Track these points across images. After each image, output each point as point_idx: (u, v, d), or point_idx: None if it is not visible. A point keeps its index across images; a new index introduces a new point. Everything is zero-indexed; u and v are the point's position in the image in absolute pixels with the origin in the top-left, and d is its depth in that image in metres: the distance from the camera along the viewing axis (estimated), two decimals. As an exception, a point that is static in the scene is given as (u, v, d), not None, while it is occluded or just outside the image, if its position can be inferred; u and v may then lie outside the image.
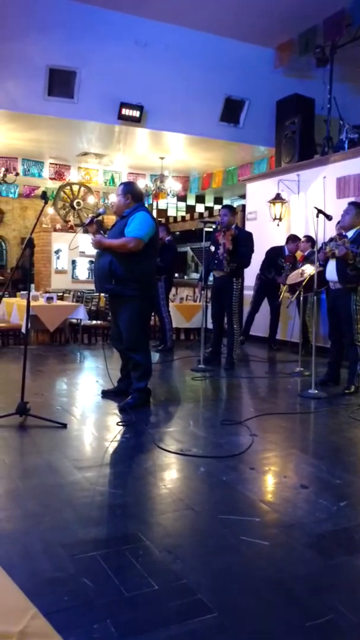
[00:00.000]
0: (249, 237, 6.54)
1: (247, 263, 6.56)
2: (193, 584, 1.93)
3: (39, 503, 2.63)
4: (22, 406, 3.95)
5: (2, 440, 3.59)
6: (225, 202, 14.10)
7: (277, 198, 8.52)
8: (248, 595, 1.90)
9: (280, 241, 8.21)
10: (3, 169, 9.78)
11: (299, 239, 7.65)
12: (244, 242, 6.32)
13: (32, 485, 2.86)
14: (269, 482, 3.05)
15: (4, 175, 9.76)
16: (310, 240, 7.30)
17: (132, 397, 4.48)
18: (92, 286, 8.79)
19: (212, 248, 6.44)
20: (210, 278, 6.75)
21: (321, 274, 5.47)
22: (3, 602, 0.70)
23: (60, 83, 7.94)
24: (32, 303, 4.54)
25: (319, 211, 5.17)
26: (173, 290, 8.80)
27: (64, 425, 3.87)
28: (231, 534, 2.33)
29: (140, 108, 8.34)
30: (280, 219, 8.55)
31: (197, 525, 2.47)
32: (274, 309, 8.07)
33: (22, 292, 9.26)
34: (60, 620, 1.66)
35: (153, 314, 7.31)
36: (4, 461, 3.20)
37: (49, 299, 8.28)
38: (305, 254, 7.35)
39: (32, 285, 12.00)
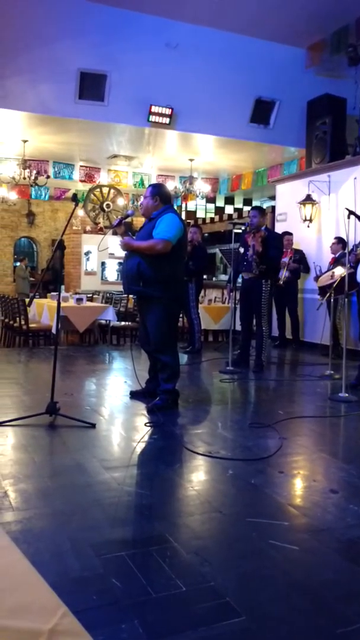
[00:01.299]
0: (278, 238, 6.49)
1: (277, 265, 6.52)
2: (221, 587, 1.92)
3: (67, 502, 2.65)
4: (52, 406, 3.99)
5: (33, 439, 3.63)
6: (255, 203, 14.04)
7: (308, 199, 8.44)
8: (277, 600, 1.88)
9: (311, 243, 8.15)
10: (34, 172, 9.91)
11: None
12: (273, 244, 6.28)
13: (61, 484, 2.88)
14: (298, 486, 3.01)
15: (36, 178, 9.90)
16: (341, 241, 7.24)
17: (160, 398, 4.48)
18: (120, 287, 8.85)
19: (242, 250, 6.41)
20: (239, 280, 6.72)
21: (352, 276, 5.39)
22: (34, 600, 0.70)
23: (91, 86, 8.02)
24: (62, 304, 4.59)
25: (350, 212, 5.10)
26: (202, 291, 8.80)
27: (93, 425, 3.90)
28: (260, 537, 2.31)
29: (170, 110, 8.36)
30: (310, 221, 8.47)
31: (225, 527, 2.46)
32: (292, 311, 8.19)
33: (52, 293, 9.37)
34: (89, 619, 1.66)
35: (182, 315, 7.33)
36: (34, 460, 3.24)
37: (79, 300, 8.36)
38: (336, 255, 7.28)
39: (62, 287, 12.12)
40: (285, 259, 7.97)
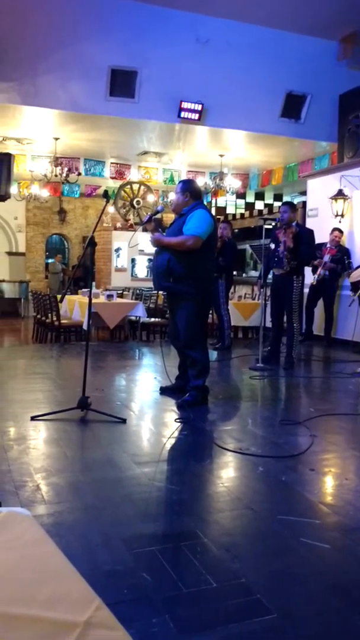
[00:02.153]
0: (310, 234, 6.42)
1: (308, 261, 6.45)
2: (252, 584, 1.91)
3: (99, 496, 2.67)
4: (84, 401, 4.03)
5: (64, 433, 3.67)
6: (286, 199, 13.91)
7: (339, 194, 8.32)
8: (308, 598, 1.87)
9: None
10: (66, 169, 10.00)
11: None
12: (305, 240, 6.21)
13: (92, 478, 2.91)
14: (329, 484, 2.98)
15: (67, 175, 9.99)
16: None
17: (190, 394, 4.48)
18: (150, 284, 8.87)
19: (272, 246, 6.36)
20: (270, 276, 6.67)
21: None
22: (69, 592, 0.71)
23: (122, 83, 8.05)
24: (93, 300, 4.62)
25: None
26: (232, 288, 8.77)
27: (124, 421, 3.92)
28: (291, 535, 2.29)
29: (200, 106, 8.34)
30: (342, 216, 8.35)
31: (256, 524, 2.44)
32: (328, 308, 8.06)
33: (83, 290, 9.46)
34: (120, 612, 1.67)
35: (211, 311, 7.31)
36: (66, 454, 3.28)
37: (109, 296, 8.42)
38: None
39: (93, 283, 12.23)
40: (326, 257, 7.82)
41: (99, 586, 1.90)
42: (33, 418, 3.92)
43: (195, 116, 8.37)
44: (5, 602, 0.63)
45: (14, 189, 10.11)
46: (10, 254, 15.10)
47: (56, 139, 9.64)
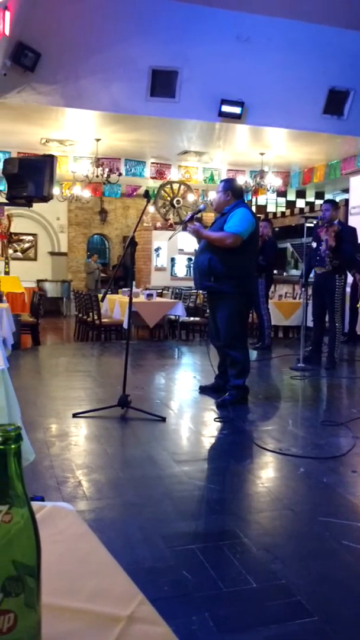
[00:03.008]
0: (352, 232, 6.31)
1: (351, 260, 6.33)
2: (292, 586, 1.89)
3: (139, 494, 2.70)
4: (124, 399, 4.07)
5: (105, 430, 3.72)
6: (327, 196, 13.68)
7: (383, 191, 8.14)
8: (350, 602, 1.84)
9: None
10: (107, 170, 10.11)
11: None
12: (347, 238, 6.11)
13: (132, 475, 2.93)
14: (373, 487, 2.92)
15: (108, 176, 10.09)
16: None
17: (230, 394, 4.47)
18: (190, 283, 8.88)
19: (314, 244, 6.27)
20: (312, 275, 6.58)
21: None
22: (113, 586, 0.72)
23: (163, 83, 8.07)
24: (133, 300, 4.65)
25: None
26: (272, 287, 8.69)
27: (163, 419, 3.94)
28: (332, 537, 2.26)
29: (240, 104, 8.29)
30: (386, 213, 8.16)
31: (296, 526, 2.42)
32: None
33: (123, 289, 9.55)
34: (160, 609, 1.68)
35: (251, 311, 7.26)
36: (106, 451, 3.32)
37: (149, 295, 8.47)
38: None
39: (133, 283, 12.33)
40: None
41: (139, 582, 1.91)
42: (75, 415, 3.98)
43: (236, 115, 8.32)
44: (51, 593, 0.65)
45: (56, 190, 10.27)
46: (52, 254, 15.36)
47: (97, 140, 9.75)
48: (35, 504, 0.60)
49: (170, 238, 7.61)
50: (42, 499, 2.41)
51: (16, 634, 0.56)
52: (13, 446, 0.58)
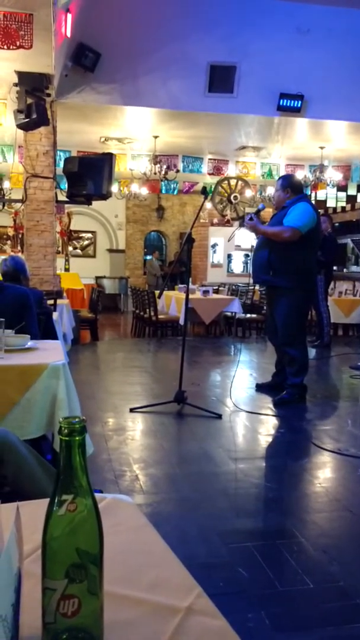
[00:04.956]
0: None
1: None
2: (350, 588, 1.85)
3: (194, 489, 2.71)
4: (180, 395, 4.10)
5: (161, 426, 3.75)
6: (390, 190, 13.26)
7: None
8: None
9: None
10: (164, 167, 10.17)
11: None
12: None
13: (188, 471, 2.95)
14: None
15: (166, 173, 10.15)
16: None
17: (288, 392, 4.42)
18: (247, 279, 8.82)
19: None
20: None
21: None
22: (171, 578, 0.73)
23: (221, 79, 8.04)
24: (189, 296, 4.68)
25: None
26: (331, 283, 8.51)
27: (219, 416, 3.94)
28: (393, 541, 2.20)
29: (300, 97, 8.15)
30: None
31: (355, 528, 2.37)
32: None
33: (180, 286, 9.59)
34: (216, 604, 1.69)
35: (311, 308, 7.14)
36: (163, 446, 3.35)
37: (205, 292, 8.47)
38: None
39: (190, 279, 12.36)
40: None
41: (194, 577, 1.94)
42: (132, 410, 4.04)
43: (296, 108, 8.19)
44: (112, 582, 0.66)
45: (114, 188, 10.43)
46: (110, 251, 15.62)
47: (155, 137, 9.82)
48: (96, 495, 0.62)
49: (229, 240, 7.59)
50: (100, 492, 2.47)
51: (80, 619, 0.58)
52: (78, 438, 0.60)
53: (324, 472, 3.06)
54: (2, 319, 2.32)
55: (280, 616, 1.70)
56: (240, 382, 5.39)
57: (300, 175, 10.68)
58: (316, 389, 4.97)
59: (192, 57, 7.83)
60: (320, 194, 14.17)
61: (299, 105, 8.22)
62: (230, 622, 1.69)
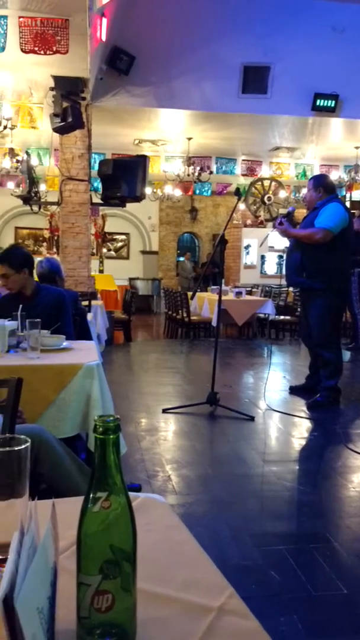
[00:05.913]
0: None
1: None
2: (386, 595, 1.82)
3: (227, 491, 2.71)
4: (212, 396, 4.10)
5: (194, 427, 3.76)
6: None
7: None
8: None
9: None
10: (198, 168, 10.18)
11: None
12: None
13: (221, 472, 2.95)
14: None
15: (199, 174, 10.16)
16: None
17: (321, 395, 4.37)
18: (280, 281, 8.76)
19: None
20: None
21: None
22: (203, 577, 0.74)
23: (254, 80, 8.01)
24: (222, 297, 4.67)
25: None
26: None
27: (252, 418, 3.92)
28: None
29: (335, 97, 8.05)
30: None
31: (391, 534, 2.33)
32: None
33: (212, 287, 9.58)
34: (248, 607, 1.69)
35: (345, 310, 7.04)
36: (195, 447, 3.35)
37: (238, 293, 8.44)
38: None
39: (222, 280, 12.33)
40: None
41: (226, 579, 1.93)
42: (164, 411, 4.06)
43: (330, 108, 8.10)
44: (145, 580, 0.67)
45: (148, 190, 10.49)
46: (144, 252, 15.71)
47: (189, 138, 9.85)
48: (129, 494, 0.62)
49: (261, 244, 7.54)
50: (139, 487, 2.50)
51: (113, 614, 0.59)
52: (112, 436, 0.60)
53: (358, 476, 3.01)
54: (38, 320, 2.36)
55: (314, 622, 1.69)
56: (273, 384, 5.35)
57: (334, 175, 10.56)
58: (350, 391, 4.89)
59: (226, 58, 7.82)
60: (356, 195, 13.95)
61: (333, 104, 8.13)
62: (262, 626, 1.69)
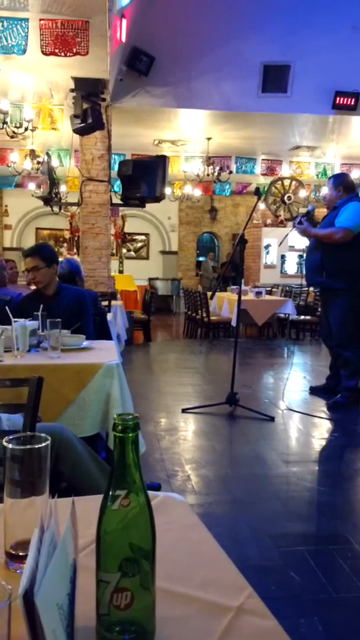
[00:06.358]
0: None
1: None
2: None
3: (247, 491, 2.70)
4: (232, 396, 4.09)
5: (213, 427, 3.75)
6: None
7: None
8: None
9: None
10: (217, 168, 10.16)
11: None
12: None
13: (240, 473, 2.94)
14: None
15: (219, 174, 10.14)
16: None
17: (342, 395, 4.33)
18: (301, 281, 8.70)
19: None
20: None
21: None
22: (222, 577, 0.74)
23: (274, 79, 7.96)
24: (242, 297, 4.65)
25: None
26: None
27: (272, 419, 3.91)
28: None
29: (356, 95, 7.98)
30: None
31: None
32: None
33: (232, 287, 9.56)
34: (268, 607, 1.68)
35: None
36: (215, 447, 3.35)
37: (258, 293, 8.41)
38: None
39: (242, 280, 12.30)
40: None
41: (245, 578, 1.93)
42: (184, 410, 4.06)
43: (351, 106, 8.02)
44: (164, 578, 0.67)
45: (167, 190, 10.50)
46: (163, 252, 15.74)
47: (208, 138, 9.83)
48: (148, 493, 0.63)
49: (280, 244, 7.49)
50: (159, 486, 2.50)
51: (132, 612, 0.59)
52: (131, 435, 0.61)
53: (380, 478, 2.98)
54: (59, 319, 2.38)
55: (334, 624, 1.67)
56: (293, 384, 5.32)
57: (355, 174, 10.45)
58: (372, 392, 4.84)
59: (245, 57, 7.80)
60: (377, 193, 13.81)
61: (354, 102, 8.06)
62: (282, 627, 1.68)
